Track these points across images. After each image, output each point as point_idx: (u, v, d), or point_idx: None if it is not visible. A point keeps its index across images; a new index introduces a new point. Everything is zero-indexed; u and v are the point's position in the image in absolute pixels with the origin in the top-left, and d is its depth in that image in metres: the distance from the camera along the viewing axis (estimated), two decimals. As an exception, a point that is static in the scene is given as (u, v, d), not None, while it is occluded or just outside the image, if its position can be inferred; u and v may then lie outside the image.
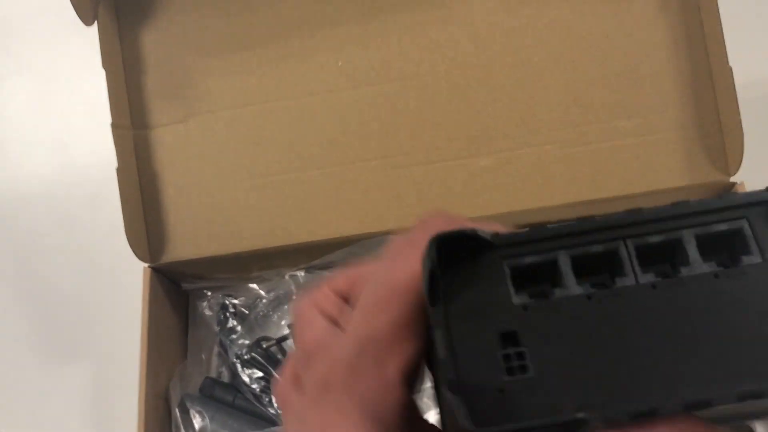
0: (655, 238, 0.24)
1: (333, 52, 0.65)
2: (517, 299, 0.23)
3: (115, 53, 0.65)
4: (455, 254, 0.23)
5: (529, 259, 0.24)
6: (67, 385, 0.72)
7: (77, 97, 0.83)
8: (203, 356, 0.69)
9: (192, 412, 0.65)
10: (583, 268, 0.24)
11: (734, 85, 0.59)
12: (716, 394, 0.22)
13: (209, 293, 0.70)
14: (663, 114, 0.63)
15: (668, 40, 0.63)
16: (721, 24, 0.59)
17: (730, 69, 0.59)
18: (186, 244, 0.66)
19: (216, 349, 0.69)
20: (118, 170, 0.63)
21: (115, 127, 0.63)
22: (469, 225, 0.24)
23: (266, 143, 0.66)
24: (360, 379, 0.24)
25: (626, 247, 0.24)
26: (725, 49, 0.59)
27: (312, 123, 0.65)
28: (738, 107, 0.59)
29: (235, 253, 0.65)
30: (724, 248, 0.24)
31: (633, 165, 0.63)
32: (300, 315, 0.28)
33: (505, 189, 0.63)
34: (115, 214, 0.70)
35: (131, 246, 0.63)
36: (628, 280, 0.23)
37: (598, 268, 0.24)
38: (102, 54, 0.63)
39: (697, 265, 0.23)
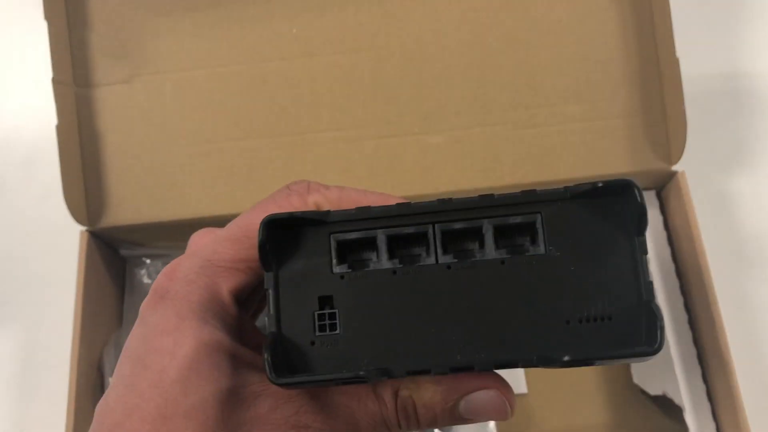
0: (458, 225, 0.28)
1: (288, 19, 0.64)
2: (337, 269, 0.28)
3: (59, 4, 0.62)
4: (292, 227, 0.28)
5: (352, 236, 0.28)
6: (-7, 351, 0.69)
7: (12, 50, 0.79)
8: (139, 325, 0.67)
9: (126, 382, 0.63)
10: (400, 246, 0.28)
11: (680, 76, 0.60)
12: (478, 361, 0.27)
13: (148, 261, 0.68)
14: (611, 101, 0.64)
15: (619, 28, 0.64)
16: (670, 16, 0.61)
17: (677, 60, 0.60)
18: (126, 209, 0.64)
19: (153, 318, 0.67)
20: (58, 127, 0.61)
21: (56, 82, 0.61)
22: (303, 207, 0.30)
23: (214, 109, 0.64)
24: (195, 290, 0.29)
25: (433, 230, 0.28)
26: (673, 40, 0.60)
27: (263, 91, 0.64)
28: (683, 98, 0.60)
29: (176, 220, 0.64)
30: (522, 237, 0.28)
31: (579, 149, 0.64)
32: (191, 239, 0.33)
33: (455, 167, 0.64)
34: (50, 175, 0.67)
35: (69, 208, 0.61)
36: (430, 260, 0.28)
37: (411, 247, 0.28)
38: (44, 4, 0.60)
39: (489, 251, 0.28)
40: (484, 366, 0.27)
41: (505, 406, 0.29)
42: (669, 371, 0.60)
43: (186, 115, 0.64)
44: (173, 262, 0.30)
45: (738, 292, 0.65)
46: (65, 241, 0.67)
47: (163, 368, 0.27)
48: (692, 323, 0.61)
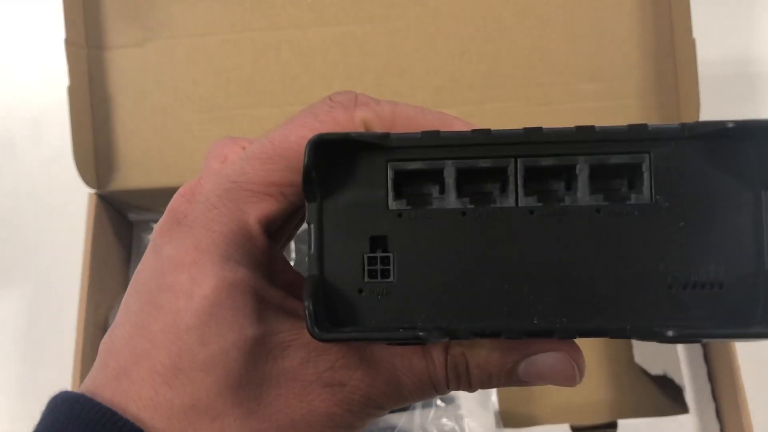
0: (547, 161, 0.23)
1: (303, -14, 0.64)
2: (394, 204, 0.24)
3: (73, -35, 0.62)
4: (342, 151, 0.23)
5: (413, 165, 0.23)
6: (1, 310, 0.69)
7: (25, 10, 0.78)
8: (145, 290, 0.68)
9: (132, 345, 0.63)
10: (471, 182, 0.24)
11: (696, 58, 0.60)
12: (560, 327, 0.23)
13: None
14: (625, 80, 0.64)
15: (636, 8, 0.64)
16: (688, -4, 0.60)
17: (693, 41, 0.60)
18: (135, 173, 0.64)
19: (160, 283, 0.68)
20: (69, 89, 0.60)
21: (69, 43, 0.60)
22: (349, 124, 0.25)
23: (226, 76, 0.64)
24: (218, 217, 0.24)
25: (516, 165, 0.23)
26: (690, 21, 0.60)
27: (275, 58, 0.64)
28: (697, 80, 0.60)
29: (186, 186, 0.64)
30: (620, 182, 0.23)
31: (591, 128, 0.64)
32: (210, 150, 0.28)
33: (466, 142, 0.64)
34: (59, 137, 0.67)
35: (79, 169, 0.61)
36: (508, 201, 0.23)
37: (485, 185, 0.24)
38: (59, -36, 0.60)
39: (583, 196, 0.23)
40: (566, 333, 0.23)
41: (574, 371, 0.25)
42: (670, 351, 0.60)
43: (198, 81, 0.64)
44: (192, 181, 0.26)
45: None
46: (73, 204, 0.67)
47: (177, 310, 0.23)
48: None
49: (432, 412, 0.57)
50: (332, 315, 0.23)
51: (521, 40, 0.64)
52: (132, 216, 0.69)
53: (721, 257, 0.23)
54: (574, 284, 0.23)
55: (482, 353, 0.25)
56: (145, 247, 0.72)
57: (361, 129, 0.25)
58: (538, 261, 0.23)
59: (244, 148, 0.26)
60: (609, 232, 0.23)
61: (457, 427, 0.57)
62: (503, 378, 0.25)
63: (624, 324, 0.22)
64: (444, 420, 0.57)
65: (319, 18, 0.64)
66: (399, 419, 0.57)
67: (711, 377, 0.60)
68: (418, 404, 0.57)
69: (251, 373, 0.23)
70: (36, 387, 0.66)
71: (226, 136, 0.28)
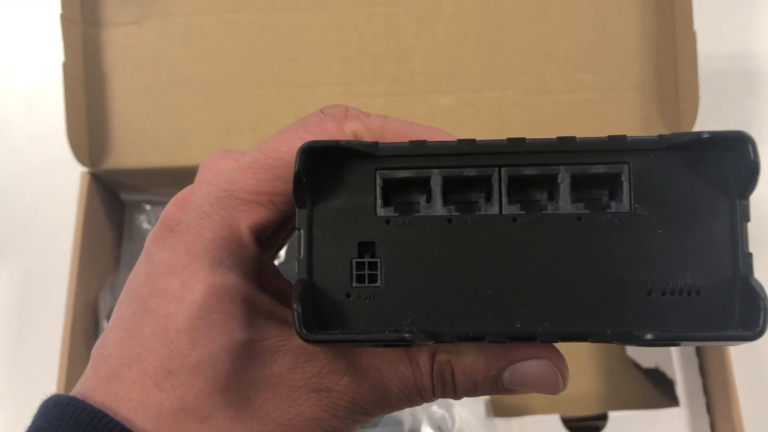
0: (530, 171, 0.24)
1: (303, -32, 0.63)
2: (382, 211, 0.24)
3: (70, -61, 0.61)
4: (332, 158, 0.24)
5: (402, 174, 0.24)
6: (-12, 288, 0.68)
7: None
8: (137, 271, 0.67)
9: (121, 326, 0.63)
10: (456, 191, 0.24)
11: (696, 51, 0.60)
12: (542, 331, 0.23)
13: (149, 207, 0.68)
14: (624, 72, 0.63)
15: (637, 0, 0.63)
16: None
17: (694, 34, 0.59)
18: (129, 153, 0.63)
19: (151, 264, 0.67)
20: (64, 65, 0.60)
21: (64, 18, 0.59)
22: (339, 135, 0.26)
23: (223, 56, 0.63)
24: (210, 224, 0.25)
25: (500, 174, 0.24)
26: (692, 14, 0.60)
27: (274, 40, 0.63)
28: (697, 73, 0.60)
29: (179, 167, 0.63)
30: (600, 191, 0.24)
31: (590, 119, 0.63)
32: (204, 162, 0.29)
33: (464, 129, 0.63)
34: (52, 117, 0.66)
35: (72, 147, 0.60)
36: (492, 209, 0.24)
37: (469, 193, 0.25)
38: (55, -62, 0.59)
39: (564, 204, 0.24)
40: (547, 337, 0.23)
41: (558, 379, 0.25)
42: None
43: (194, 61, 0.63)
44: (185, 190, 0.26)
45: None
46: (65, 182, 0.66)
47: (168, 314, 0.24)
48: (690, 299, 0.62)
49: (422, 399, 0.57)
50: (320, 318, 0.24)
51: (522, 29, 0.63)
52: (124, 196, 0.68)
53: (698, 264, 0.23)
54: (556, 290, 0.24)
55: (468, 361, 0.25)
56: (137, 228, 0.71)
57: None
58: (521, 267, 0.24)
59: (236, 160, 0.27)
60: (590, 240, 0.24)
61: (447, 415, 0.56)
62: (488, 386, 0.26)
63: (604, 328, 0.23)
64: (434, 408, 0.57)
65: (319, 0, 0.63)
66: (389, 406, 0.57)
67: (702, 371, 0.60)
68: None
69: (240, 377, 0.24)
70: (24, 366, 0.65)
71: (220, 150, 0.29)
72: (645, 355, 0.61)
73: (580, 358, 0.63)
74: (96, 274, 0.64)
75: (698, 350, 0.60)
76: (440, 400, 0.57)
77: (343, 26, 0.63)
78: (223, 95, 0.63)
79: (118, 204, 0.68)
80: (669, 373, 0.59)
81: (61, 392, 0.56)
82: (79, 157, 0.61)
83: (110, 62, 0.63)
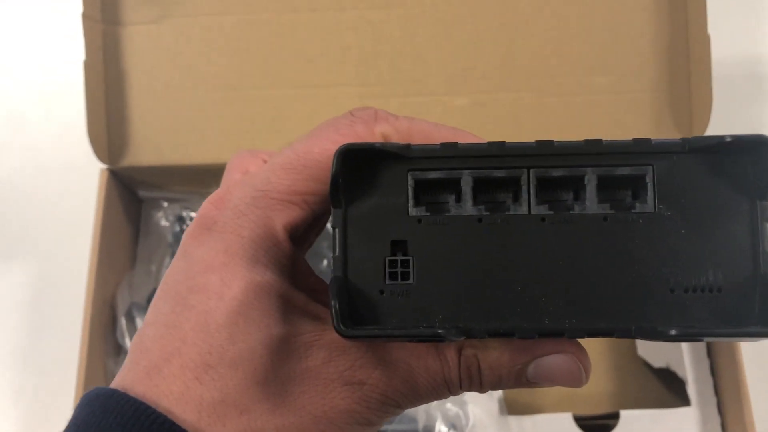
0: (558, 172, 0.25)
1: (321, -31, 0.64)
2: (414, 211, 0.25)
3: (92, -61, 0.62)
4: (366, 160, 0.25)
5: (433, 175, 0.25)
6: (9, 283, 0.69)
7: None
8: (153, 267, 0.68)
9: (138, 321, 0.64)
10: (486, 191, 0.25)
11: (710, 54, 0.60)
12: (570, 327, 0.24)
13: (166, 204, 0.68)
14: (637, 75, 0.64)
15: (651, 2, 0.64)
16: (704, -7, 0.61)
17: (708, 37, 0.60)
18: (147, 150, 0.64)
19: (167, 260, 0.68)
20: (85, 63, 0.60)
21: (86, 18, 0.60)
22: (369, 137, 0.26)
23: (241, 56, 0.64)
24: (246, 223, 0.26)
25: (528, 176, 0.25)
26: (706, 17, 0.60)
27: (291, 40, 0.64)
28: (710, 77, 0.60)
29: (196, 165, 0.64)
30: (624, 192, 0.25)
31: (603, 121, 0.64)
32: (231, 162, 0.29)
33: (478, 131, 0.63)
34: (71, 112, 0.67)
35: (92, 143, 0.61)
36: (521, 209, 0.25)
37: (498, 194, 0.25)
38: (78, -62, 0.59)
39: (591, 205, 0.25)
40: (575, 333, 0.24)
41: (580, 372, 0.26)
42: (674, 345, 0.61)
43: (213, 60, 0.64)
44: (221, 190, 0.27)
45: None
46: (82, 179, 0.67)
47: (208, 310, 0.24)
48: (701, 300, 0.62)
49: (436, 397, 0.58)
50: (355, 314, 0.25)
51: (536, 31, 0.64)
52: (142, 193, 0.69)
53: (719, 262, 0.24)
54: (583, 287, 0.24)
55: (493, 355, 0.26)
56: (154, 225, 0.72)
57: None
58: (549, 265, 0.25)
59: (263, 161, 0.28)
60: (615, 239, 0.25)
61: (461, 413, 0.57)
62: (513, 379, 0.27)
63: (629, 324, 0.24)
64: (449, 405, 0.58)
65: (336, 1, 0.64)
66: (403, 403, 0.58)
67: (713, 372, 0.60)
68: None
69: (277, 371, 0.25)
70: (43, 361, 0.66)
71: (245, 150, 0.30)
72: (656, 355, 0.62)
73: (592, 357, 0.63)
74: (114, 270, 0.65)
75: (709, 350, 0.61)
76: (454, 398, 0.58)
77: (360, 28, 0.64)
78: (241, 95, 0.64)
79: (135, 201, 0.69)
80: (680, 373, 0.60)
81: (85, 387, 0.57)
82: (99, 154, 0.62)
83: (130, 61, 0.64)
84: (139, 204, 0.70)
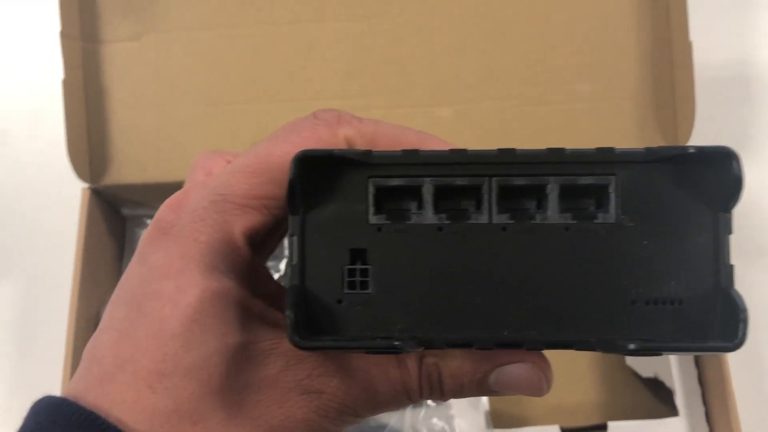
0: (520, 181, 0.24)
1: (301, -18, 0.63)
2: (374, 219, 0.25)
3: (69, -43, 0.61)
4: (325, 166, 0.24)
5: (394, 182, 0.25)
6: (-8, 302, 0.69)
7: (21, 4, 0.78)
8: (139, 284, 0.67)
9: (124, 339, 0.63)
10: (447, 199, 0.25)
11: (692, 60, 0.60)
12: (529, 339, 0.24)
13: (149, 221, 0.68)
14: (621, 81, 0.63)
15: (634, 9, 0.63)
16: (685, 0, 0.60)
17: (690, 43, 0.60)
18: (130, 168, 0.64)
19: (153, 277, 0.67)
20: (64, 82, 0.60)
21: (64, 36, 0.60)
22: (332, 141, 0.26)
23: (222, 71, 0.64)
24: (204, 228, 0.25)
25: (490, 184, 0.24)
26: (687, 24, 0.60)
27: (273, 54, 0.63)
28: (693, 82, 0.60)
29: (180, 182, 0.62)
30: (588, 201, 0.25)
31: (588, 128, 0.63)
32: (195, 163, 0.29)
33: (463, 140, 0.63)
34: (54, 130, 0.67)
35: (72, 163, 0.60)
36: (482, 218, 0.24)
37: (460, 202, 0.25)
38: (54, -43, 0.59)
39: (552, 214, 0.24)
40: (534, 345, 0.24)
41: (542, 382, 0.26)
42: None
43: (193, 76, 0.63)
44: (180, 193, 0.27)
45: (738, 281, 0.65)
46: (67, 197, 0.66)
47: (163, 317, 0.24)
48: (689, 308, 0.62)
49: (423, 411, 0.58)
50: (312, 324, 0.24)
51: (519, 40, 0.63)
52: (125, 211, 0.68)
53: (681, 275, 0.24)
54: (543, 298, 0.24)
55: (455, 363, 0.26)
56: (137, 243, 0.72)
57: (343, 146, 0.26)
58: (510, 275, 0.24)
59: (228, 162, 0.27)
60: (577, 249, 0.24)
61: (447, 427, 0.57)
62: (474, 388, 0.26)
63: (589, 337, 0.24)
64: (435, 420, 0.57)
65: (317, 14, 0.63)
66: (390, 418, 0.57)
67: (701, 381, 0.60)
68: (410, 404, 0.57)
69: (233, 380, 0.24)
70: (27, 380, 0.66)
71: (210, 150, 0.29)
72: (644, 365, 0.61)
73: (581, 367, 0.63)
74: (98, 288, 0.64)
75: (697, 360, 0.61)
76: (440, 412, 0.57)
77: (342, 39, 0.63)
78: (223, 109, 0.64)
79: (119, 219, 0.69)
80: (668, 383, 0.60)
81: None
82: (80, 172, 0.61)
83: (110, 78, 0.63)
84: (123, 221, 0.70)
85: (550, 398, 0.63)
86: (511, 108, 0.63)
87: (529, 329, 0.24)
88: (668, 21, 0.63)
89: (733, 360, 0.56)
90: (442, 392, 0.26)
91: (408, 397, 0.26)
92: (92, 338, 0.25)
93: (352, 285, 0.24)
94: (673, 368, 0.60)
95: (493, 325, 0.24)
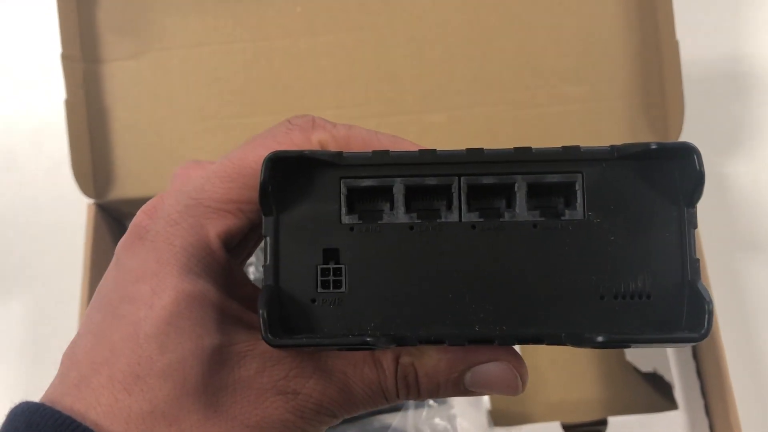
0: (488, 180, 0.25)
1: (292, -3, 0.65)
2: (346, 219, 0.25)
3: (68, -19, 0.63)
4: (298, 168, 0.25)
5: (365, 183, 0.25)
6: (3, 320, 0.70)
7: (23, 26, 0.80)
8: (145, 296, 0.69)
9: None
10: (418, 199, 0.25)
11: (679, 59, 0.61)
12: (500, 334, 0.25)
13: (154, 234, 0.70)
14: (610, 82, 0.64)
15: (620, 10, 0.64)
16: (671, -1, 0.61)
17: (677, 42, 0.61)
18: (133, 183, 0.65)
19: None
20: (67, 102, 0.62)
21: (65, 58, 0.62)
22: (306, 145, 0.26)
23: (220, 85, 0.65)
24: (179, 232, 0.25)
25: (459, 183, 0.25)
26: (674, 23, 0.61)
27: (267, 67, 0.65)
28: (681, 80, 0.61)
29: (182, 195, 0.65)
30: (557, 199, 0.25)
31: (578, 130, 0.65)
32: (176, 173, 0.29)
33: (455, 146, 0.64)
34: (59, 149, 0.68)
35: (77, 180, 0.62)
36: (452, 217, 0.25)
37: (431, 201, 0.25)
38: (54, -19, 0.61)
39: (521, 212, 0.25)
40: (505, 340, 0.25)
41: (517, 380, 0.26)
42: (660, 349, 0.61)
43: (192, 91, 0.65)
44: (155, 198, 0.27)
45: (731, 274, 0.66)
46: (74, 214, 0.68)
47: (138, 320, 0.24)
48: (685, 303, 0.63)
49: (425, 411, 0.58)
50: (287, 323, 0.25)
51: (507, 45, 0.65)
52: (130, 224, 0.70)
53: (649, 269, 0.24)
54: (513, 294, 0.25)
55: (430, 363, 0.26)
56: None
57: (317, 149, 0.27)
58: (480, 273, 0.25)
59: (205, 170, 0.28)
60: (545, 246, 0.25)
61: (449, 427, 0.58)
62: (451, 387, 0.27)
63: (559, 331, 0.24)
64: (437, 420, 0.58)
65: (309, 27, 0.65)
66: (393, 419, 0.58)
67: (700, 374, 0.60)
68: (411, 404, 0.58)
69: (208, 381, 0.24)
70: (36, 396, 0.67)
71: (192, 160, 0.29)
72: (643, 360, 0.62)
73: (580, 364, 0.64)
74: (106, 301, 0.66)
75: (695, 353, 0.61)
76: (442, 412, 0.58)
77: (334, 51, 0.65)
78: (220, 123, 0.65)
79: (124, 232, 0.70)
80: (667, 377, 0.60)
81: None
82: (84, 189, 0.63)
83: (111, 97, 0.65)
84: (129, 235, 0.71)
85: (550, 395, 0.63)
86: (502, 112, 0.65)
87: (500, 325, 0.24)
88: (655, 20, 0.64)
89: (730, 352, 0.56)
90: (418, 392, 0.27)
91: (384, 397, 0.27)
92: (70, 343, 0.26)
93: (325, 284, 0.25)
94: (672, 362, 0.60)
95: (464, 322, 0.25)
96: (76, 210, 0.67)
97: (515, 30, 0.65)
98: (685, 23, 0.62)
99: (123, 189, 0.65)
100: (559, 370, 0.64)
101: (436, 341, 0.25)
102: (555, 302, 0.24)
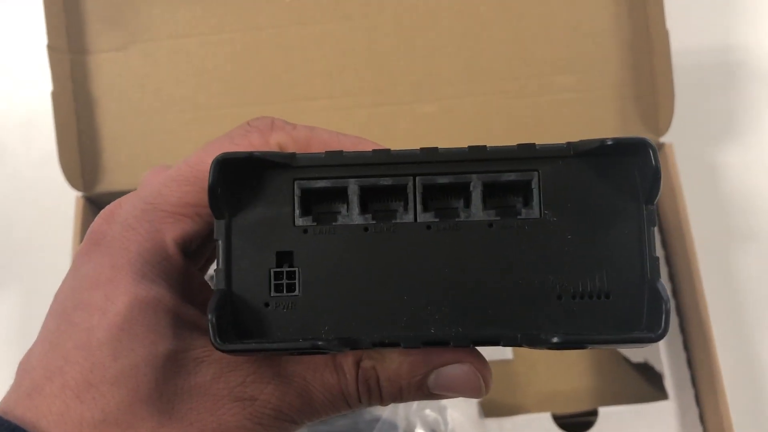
0: (443, 179, 0.24)
1: (281, -13, 0.64)
2: (300, 221, 0.25)
3: (53, -29, 0.63)
4: (251, 170, 0.24)
5: (319, 184, 0.25)
6: (-8, 312, 0.70)
7: (8, 16, 0.79)
8: (135, 289, 0.69)
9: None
10: (374, 200, 0.25)
11: (670, 49, 0.61)
12: (455, 336, 0.24)
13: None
14: (601, 72, 0.64)
15: (611, 0, 0.64)
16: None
17: (667, 32, 0.61)
18: (122, 175, 0.65)
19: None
20: (53, 94, 0.61)
21: (51, 49, 0.61)
22: (264, 147, 0.26)
23: (208, 76, 0.65)
24: (134, 237, 0.25)
25: (414, 183, 0.25)
26: (664, 12, 0.61)
27: (256, 58, 0.65)
28: (671, 70, 0.61)
29: (171, 187, 0.65)
30: (515, 198, 0.25)
31: (569, 120, 0.64)
32: (144, 178, 0.29)
33: (447, 136, 0.64)
34: (48, 141, 0.68)
35: (64, 173, 0.62)
36: (408, 217, 0.25)
37: (387, 202, 0.25)
38: (39, -29, 0.60)
39: (476, 211, 0.25)
40: (460, 342, 0.24)
41: (479, 382, 0.26)
42: (652, 339, 0.61)
43: (180, 82, 0.65)
44: (113, 204, 0.27)
45: (722, 264, 0.66)
46: (63, 206, 0.68)
47: (91, 327, 0.24)
48: (675, 293, 0.63)
49: (415, 403, 0.58)
50: (240, 328, 0.24)
51: (498, 35, 0.64)
52: (120, 217, 0.69)
53: (608, 268, 0.24)
54: (470, 295, 0.24)
55: (392, 366, 0.26)
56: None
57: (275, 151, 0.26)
58: (436, 274, 0.24)
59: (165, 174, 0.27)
60: (501, 246, 0.24)
61: (440, 418, 0.58)
62: (414, 390, 0.26)
63: (515, 332, 0.24)
64: (427, 411, 0.58)
65: (298, 17, 0.64)
66: (383, 411, 0.58)
67: (690, 364, 0.61)
68: (402, 396, 0.58)
69: (163, 387, 0.24)
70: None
71: (160, 164, 0.29)
72: (634, 350, 0.62)
73: (571, 355, 0.64)
74: (95, 294, 0.66)
75: (686, 343, 0.61)
76: (433, 404, 0.58)
77: (323, 41, 0.64)
78: (210, 114, 0.65)
79: (114, 225, 0.70)
80: (657, 367, 0.60)
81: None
82: (73, 182, 0.63)
83: (99, 88, 0.64)
84: (119, 227, 0.71)
85: (541, 386, 0.63)
86: (493, 102, 0.64)
87: (455, 326, 0.24)
88: (645, 10, 0.63)
89: (721, 342, 0.57)
90: (381, 396, 0.26)
91: (346, 402, 0.26)
92: (26, 354, 0.26)
93: (278, 288, 0.25)
94: (662, 352, 0.61)
95: (420, 324, 0.24)
96: (66, 202, 0.67)
97: (506, 20, 0.64)
98: (676, 13, 0.61)
99: (111, 181, 0.65)
100: (549, 361, 0.64)
101: (391, 344, 0.24)
102: (512, 303, 0.24)
